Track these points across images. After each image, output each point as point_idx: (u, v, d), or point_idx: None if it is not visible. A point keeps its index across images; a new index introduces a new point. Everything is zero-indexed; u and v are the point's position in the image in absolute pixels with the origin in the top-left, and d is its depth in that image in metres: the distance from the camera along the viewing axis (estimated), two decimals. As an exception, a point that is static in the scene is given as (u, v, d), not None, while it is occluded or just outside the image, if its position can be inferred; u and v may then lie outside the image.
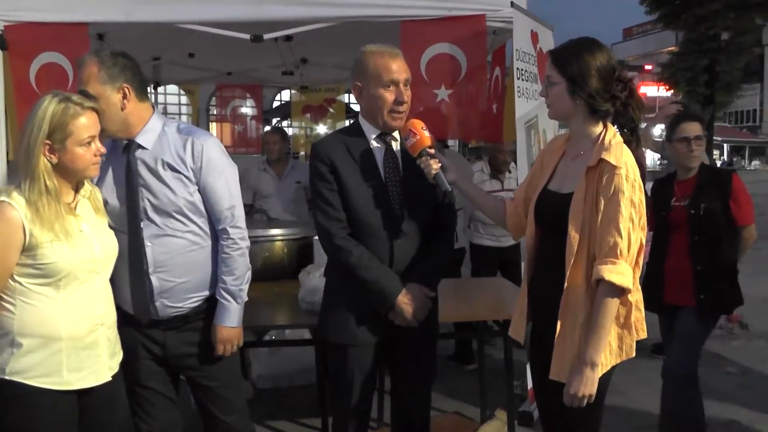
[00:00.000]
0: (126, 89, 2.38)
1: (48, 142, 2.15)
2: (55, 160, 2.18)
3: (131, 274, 2.44)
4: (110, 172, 2.47)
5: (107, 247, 2.34)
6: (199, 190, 2.48)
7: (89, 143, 2.22)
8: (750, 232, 3.40)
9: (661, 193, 3.60)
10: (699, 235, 3.35)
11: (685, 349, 3.40)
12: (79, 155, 2.20)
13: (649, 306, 3.51)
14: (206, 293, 2.54)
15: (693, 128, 3.44)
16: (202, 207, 2.49)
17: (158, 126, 2.48)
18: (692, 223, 3.37)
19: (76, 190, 2.31)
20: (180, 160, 2.44)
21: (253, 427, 2.76)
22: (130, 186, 2.43)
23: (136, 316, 2.49)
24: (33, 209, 2.13)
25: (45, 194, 2.15)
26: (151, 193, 2.43)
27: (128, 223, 2.43)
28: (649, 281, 3.53)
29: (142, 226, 2.43)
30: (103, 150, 2.28)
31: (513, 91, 4.04)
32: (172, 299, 2.47)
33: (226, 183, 2.52)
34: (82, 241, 2.23)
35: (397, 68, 2.49)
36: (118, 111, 2.38)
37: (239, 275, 2.54)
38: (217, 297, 2.53)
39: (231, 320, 2.53)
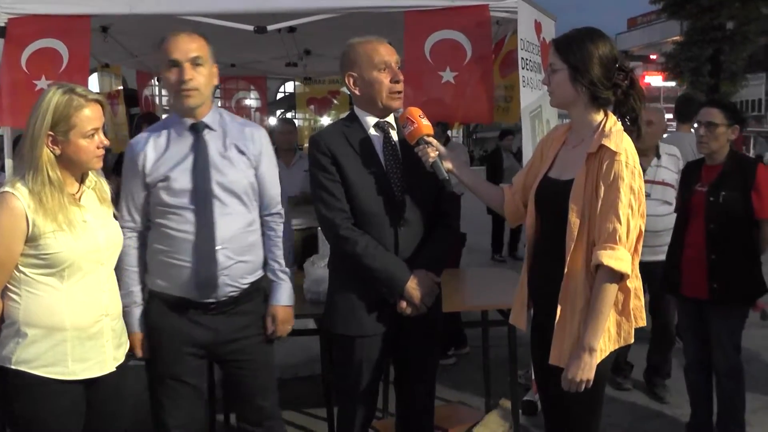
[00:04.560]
0: (217, 69, 2.58)
1: (51, 133, 2.16)
2: (58, 151, 2.19)
3: (199, 250, 2.46)
4: (175, 151, 2.52)
5: (111, 238, 2.35)
6: (255, 175, 2.58)
7: (93, 135, 2.23)
8: None
9: (687, 176, 3.56)
10: (715, 223, 3.29)
11: (726, 344, 3.38)
12: (82, 147, 2.21)
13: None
14: (256, 275, 2.62)
15: (705, 113, 3.38)
16: (257, 191, 2.60)
17: (218, 112, 2.61)
18: (709, 210, 3.30)
19: (81, 181, 2.32)
20: (243, 143, 2.57)
21: (280, 411, 2.79)
22: (200, 164, 2.49)
23: (198, 294, 2.49)
24: (36, 200, 2.14)
25: (48, 185, 2.16)
26: (218, 172, 2.50)
27: (198, 199, 2.47)
28: (668, 265, 3.52)
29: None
30: (107, 142, 2.29)
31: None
32: (231, 277, 2.51)
33: (277, 171, 2.68)
34: (85, 231, 2.24)
35: (386, 51, 2.53)
36: (213, 86, 2.58)
37: (287, 256, 2.68)
38: (272, 278, 2.65)
39: (288, 299, 2.67)
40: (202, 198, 2.47)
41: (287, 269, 2.67)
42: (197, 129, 2.52)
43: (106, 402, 2.35)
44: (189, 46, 2.46)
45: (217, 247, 2.47)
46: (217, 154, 2.52)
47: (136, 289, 2.55)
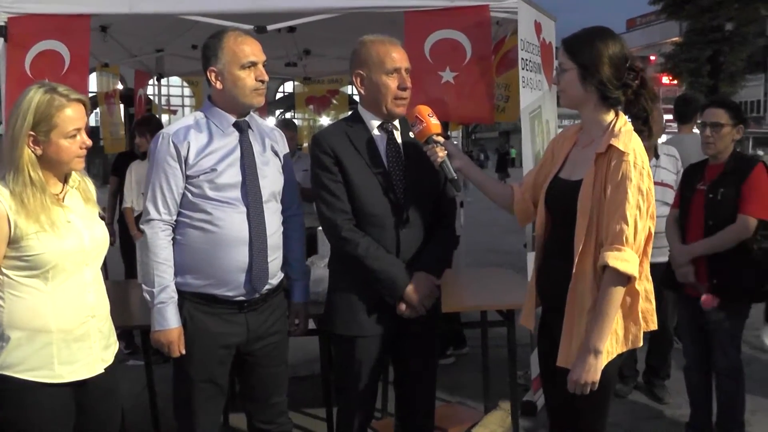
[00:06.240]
0: None
1: (32, 133, 2.11)
2: (39, 151, 2.14)
3: (255, 246, 2.47)
4: (219, 145, 2.50)
5: (97, 238, 2.30)
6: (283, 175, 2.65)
7: (74, 135, 2.17)
8: (744, 223, 3.19)
9: (690, 176, 3.56)
10: (714, 220, 3.29)
11: (726, 343, 3.38)
12: (63, 147, 2.16)
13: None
14: (283, 273, 2.66)
15: (710, 114, 3.37)
16: (283, 191, 2.65)
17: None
18: (708, 208, 3.31)
19: (65, 181, 2.27)
20: (276, 145, 2.64)
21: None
22: (248, 160, 2.51)
23: (245, 290, 2.49)
24: (18, 201, 2.09)
25: (29, 186, 2.11)
26: (260, 170, 2.54)
27: (249, 194, 2.48)
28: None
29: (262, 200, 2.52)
30: (89, 143, 2.23)
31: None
32: (270, 274, 2.54)
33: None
34: (69, 232, 2.19)
35: (399, 57, 2.51)
36: None
37: (303, 254, 2.81)
38: (298, 277, 2.74)
39: (308, 295, 2.79)
40: (253, 192, 2.49)
41: (307, 267, 2.77)
42: (241, 127, 2.53)
43: (97, 404, 2.30)
44: (260, 48, 2.51)
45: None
46: (258, 154, 2.55)
47: (173, 285, 2.48)
